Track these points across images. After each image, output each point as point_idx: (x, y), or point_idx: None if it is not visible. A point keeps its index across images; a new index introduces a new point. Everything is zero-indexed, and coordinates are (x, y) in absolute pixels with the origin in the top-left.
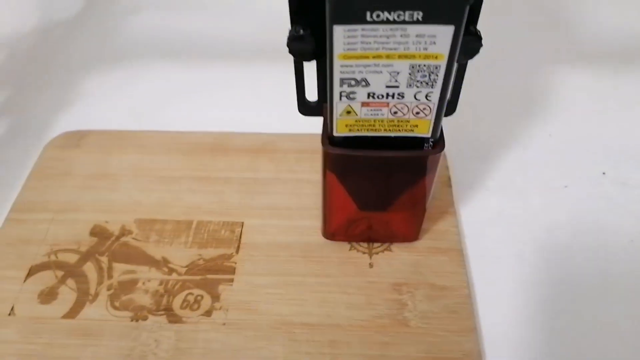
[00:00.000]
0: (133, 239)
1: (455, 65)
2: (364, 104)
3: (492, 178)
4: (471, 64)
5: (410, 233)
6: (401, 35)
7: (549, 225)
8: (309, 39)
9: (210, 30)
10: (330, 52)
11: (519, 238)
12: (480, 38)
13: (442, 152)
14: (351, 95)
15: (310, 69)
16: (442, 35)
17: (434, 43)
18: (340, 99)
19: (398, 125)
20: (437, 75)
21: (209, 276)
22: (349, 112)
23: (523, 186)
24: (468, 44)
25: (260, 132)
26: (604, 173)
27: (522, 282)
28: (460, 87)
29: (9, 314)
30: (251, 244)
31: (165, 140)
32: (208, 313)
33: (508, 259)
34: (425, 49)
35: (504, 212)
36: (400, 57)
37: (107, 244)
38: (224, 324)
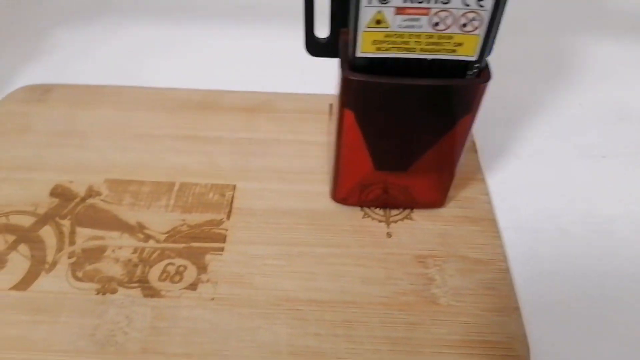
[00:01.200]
0: (102, 200)
1: None
2: (398, 11)
3: (522, 145)
4: (501, 28)
5: (436, 197)
6: None
7: (590, 196)
8: None
9: None
10: None
11: (558, 209)
12: None
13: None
14: None
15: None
16: None
17: None
18: (370, 1)
19: (438, 43)
20: None
21: (194, 244)
22: (378, 22)
23: (557, 155)
24: None
25: (256, 91)
26: None
27: (564, 256)
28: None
29: None
30: (246, 209)
31: (145, 96)
32: (192, 286)
33: (546, 232)
34: None
35: (537, 181)
36: None
37: (70, 206)
38: (213, 299)
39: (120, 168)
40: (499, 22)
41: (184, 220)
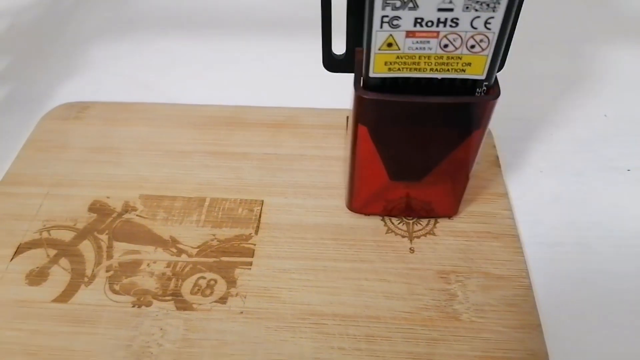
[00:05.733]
0: (137, 216)
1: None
2: (409, 34)
3: (545, 159)
4: (522, 39)
5: (450, 205)
6: None
7: (614, 210)
8: None
9: None
10: None
11: (582, 224)
12: None
13: (496, 100)
14: (394, 22)
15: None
16: None
17: None
18: (382, 26)
19: (447, 63)
20: None
21: (224, 259)
22: (390, 45)
23: (581, 168)
24: None
25: (282, 106)
26: None
27: (587, 272)
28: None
29: None
30: (273, 224)
31: (175, 113)
32: (222, 300)
33: (569, 247)
34: None
35: (561, 195)
36: None
37: (107, 221)
38: (242, 312)
39: (153, 183)
40: (508, 42)
41: (214, 235)
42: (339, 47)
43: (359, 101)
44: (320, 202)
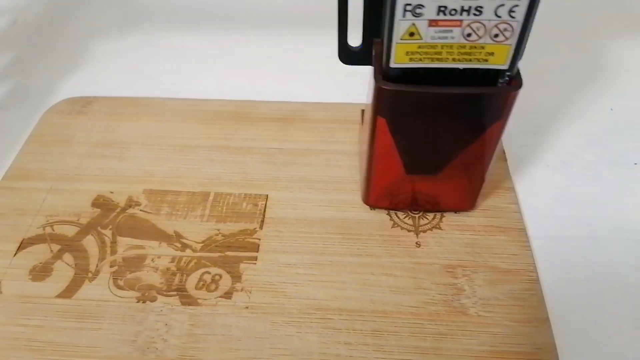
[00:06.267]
0: (141, 210)
1: None
2: (431, 23)
3: (552, 153)
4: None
5: (467, 200)
6: None
7: (622, 204)
8: None
9: None
10: None
11: (589, 218)
12: None
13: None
14: (417, 10)
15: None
16: None
17: None
18: (404, 15)
19: (470, 53)
20: None
21: (229, 253)
22: (412, 34)
23: (588, 162)
24: None
25: (288, 101)
26: None
27: (595, 266)
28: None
29: None
30: (278, 219)
31: (180, 107)
32: (228, 295)
33: (577, 240)
34: None
35: (568, 189)
36: None
37: (111, 216)
38: (247, 307)
39: (157, 178)
40: (529, 31)
41: (218, 229)
42: (354, 39)
43: (379, 92)
44: (326, 196)
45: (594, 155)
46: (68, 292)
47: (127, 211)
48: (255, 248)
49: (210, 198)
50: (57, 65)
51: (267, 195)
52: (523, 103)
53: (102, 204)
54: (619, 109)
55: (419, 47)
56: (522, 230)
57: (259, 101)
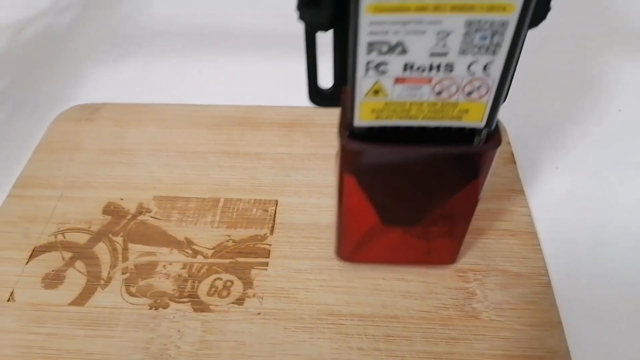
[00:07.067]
0: (152, 217)
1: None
2: (398, 80)
3: (560, 155)
4: (535, 35)
5: (447, 254)
6: None
7: (632, 206)
8: (326, 3)
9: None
10: (355, 4)
11: (599, 220)
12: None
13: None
14: (381, 68)
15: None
16: None
17: None
18: (367, 72)
19: (442, 111)
20: (502, 37)
21: (240, 259)
22: (377, 92)
23: (597, 164)
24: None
25: (294, 106)
26: None
27: (606, 269)
28: (515, 70)
29: (8, 300)
30: (288, 224)
31: (188, 113)
32: (239, 301)
33: (588, 245)
34: None
35: (577, 191)
36: (454, 8)
37: (122, 223)
38: (259, 313)
39: (166, 184)
40: (508, 86)
41: (229, 235)
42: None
43: (343, 151)
44: (335, 201)
45: (602, 157)
46: (80, 299)
47: (137, 218)
48: (266, 254)
49: (220, 204)
50: (64, 73)
51: (276, 201)
52: (533, 105)
53: (112, 211)
54: (627, 111)
55: (386, 104)
56: (533, 234)
57: (265, 106)
